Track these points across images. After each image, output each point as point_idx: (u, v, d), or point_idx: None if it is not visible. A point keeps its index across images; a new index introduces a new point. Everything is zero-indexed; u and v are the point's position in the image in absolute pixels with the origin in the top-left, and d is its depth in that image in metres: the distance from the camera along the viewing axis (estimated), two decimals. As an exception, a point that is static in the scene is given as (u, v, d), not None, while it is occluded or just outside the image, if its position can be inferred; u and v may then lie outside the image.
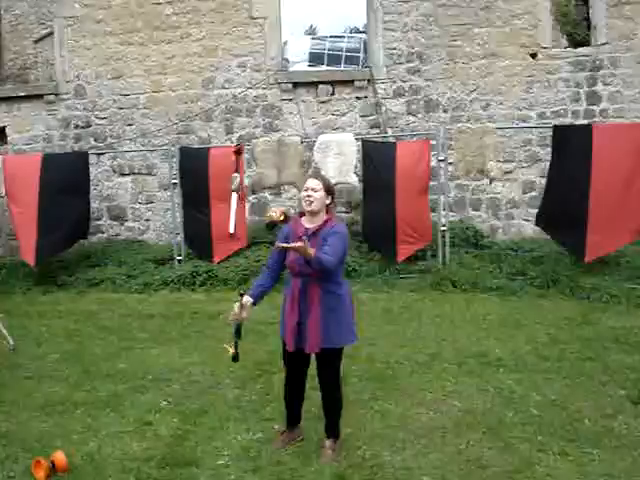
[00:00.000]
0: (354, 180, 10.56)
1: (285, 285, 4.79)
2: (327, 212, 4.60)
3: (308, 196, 4.49)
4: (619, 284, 9.04)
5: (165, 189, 12.40)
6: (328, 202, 4.58)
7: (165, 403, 5.81)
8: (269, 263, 4.76)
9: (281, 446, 4.85)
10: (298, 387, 4.89)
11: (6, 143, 13.02)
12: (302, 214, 4.67)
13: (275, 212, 4.47)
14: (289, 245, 4.21)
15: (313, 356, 4.68)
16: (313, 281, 4.48)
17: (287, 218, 4.59)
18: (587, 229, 8.91)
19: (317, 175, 4.72)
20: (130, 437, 5.14)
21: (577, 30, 12.13)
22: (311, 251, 4.15)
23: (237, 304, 4.54)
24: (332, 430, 4.78)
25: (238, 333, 4.68)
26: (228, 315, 4.60)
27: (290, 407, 4.97)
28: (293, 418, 4.99)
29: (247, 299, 4.57)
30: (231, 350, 4.67)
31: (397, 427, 5.13)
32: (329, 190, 4.57)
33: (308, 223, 4.58)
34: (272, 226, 4.71)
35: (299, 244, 4.12)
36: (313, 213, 4.54)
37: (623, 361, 6.45)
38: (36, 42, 14.22)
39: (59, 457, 4.57)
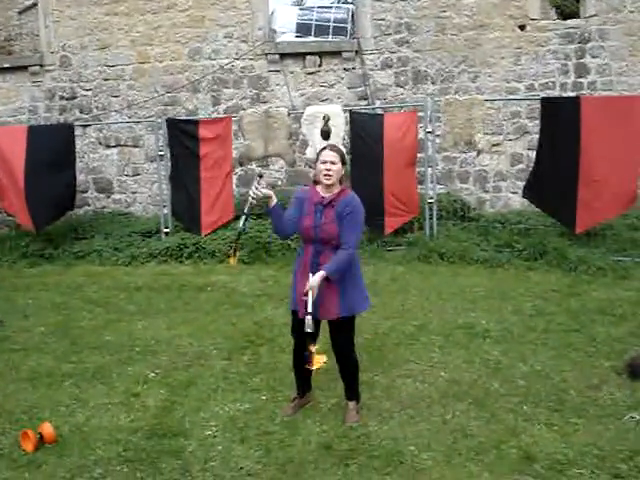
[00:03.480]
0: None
1: (297, 255, 4.83)
2: (340, 181, 4.64)
3: (327, 170, 4.52)
4: (605, 256, 9.08)
5: (151, 161, 12.33)
6: (342, 172, 4.63)
7: (153, 375, 5.82)
8: (286, 214, 4.67)
9: (291, 412, 4.94)
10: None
11: (-10, 115, 12.90)
12: (316, 182, 4.69)
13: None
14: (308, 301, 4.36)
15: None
16: (326, 248, 4.55)
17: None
18: (577, 200, 8.92)
19: (333, 147, 4.69)
20: (118, 408, 5.16)
21: (566, 2, 12.07)
22: (318, 278, 4.37)
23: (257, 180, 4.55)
24: (353, 393, 4.90)
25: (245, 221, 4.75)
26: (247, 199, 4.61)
27: (300, 376, 5.03)
28: (303, 386, 5.07)
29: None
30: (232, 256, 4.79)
31: (383, 397, 5.16)
32: (344, 161, 4.63)
33: (323, 192, 4.62)
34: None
35: (310, 291, 4.35)
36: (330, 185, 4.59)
37: (608, 332, 6.50)
38: (20, 13, 14.01)
39: (47, 429, 4.59)
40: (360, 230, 4.63)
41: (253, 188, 4.48)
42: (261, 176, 4.64)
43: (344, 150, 4.83)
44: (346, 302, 4.59)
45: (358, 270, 4.73)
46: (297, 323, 4.76)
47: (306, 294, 4.37)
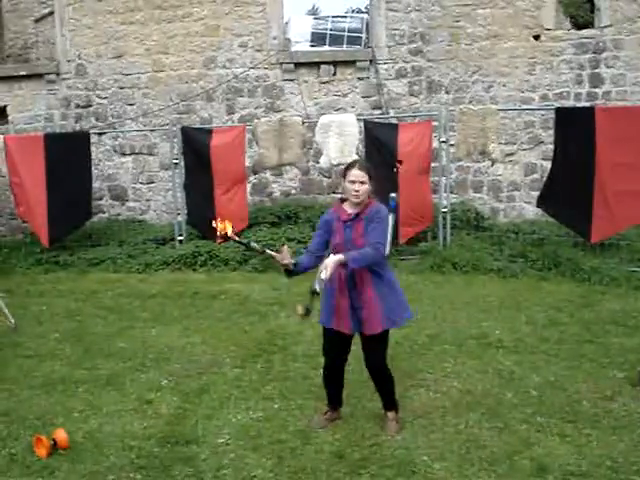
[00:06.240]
0: (355, 161, 10.54)
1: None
2: (368, 197, 4.60)
3: (357, 190, 4.47)
4: (619, 267, 9.05)
5: (166, 169, 12.38)
6: (370, 189, 4.58)
7: (166, 382, 5.83)
8: (310, 246, 4.72)
9: (323, 425, 4.89)
10: (339, 373, 4.89)
11: (7, 122, 12.99)
12: (343, 200, 4.66)
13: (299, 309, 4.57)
14: (324, 277, 4.25)
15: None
16: None
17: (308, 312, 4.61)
18: (593, 210, 8.88)
19: (361, 165, 4.60)
20: (131, 415, 5.17)
21: (580, 12, 12.07)
22: (336, 259, 4.29)
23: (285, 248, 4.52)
24: (391, 403, 4.88)
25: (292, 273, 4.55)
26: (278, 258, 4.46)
27: (331, 392, 4.99)
28: (335, 401, 5.02)
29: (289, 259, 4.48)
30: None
31: (397, 407, 5.15)
32: (371, 177, 4.55)
33: (351, 208, 4.58)
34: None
35: (329, 269, 4.24)
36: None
37: (622, 343, 6.46)
38: (37, 21, 14.13)
39: (60, 435, 4.60)
40: (388, 235, 4.62)
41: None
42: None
43: (370, 167, 4.72)
44: (389, 314, 4.57)
45: (392, 283, 4.68)
46: (329, 341, 4.73)
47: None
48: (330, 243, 4.61)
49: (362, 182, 4.47)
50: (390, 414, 4.84)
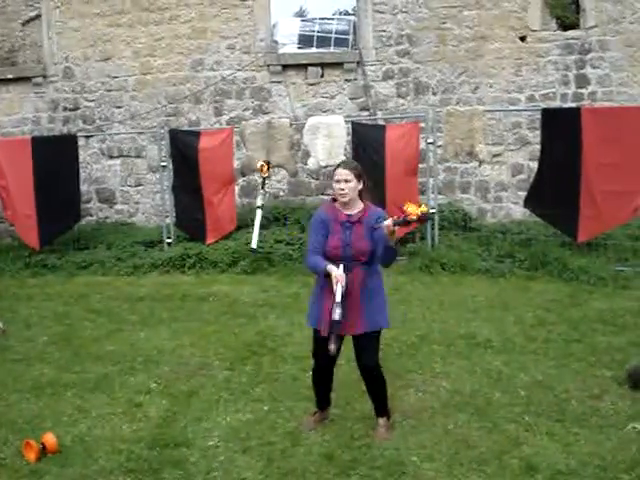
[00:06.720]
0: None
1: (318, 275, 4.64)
2: (360, 198, 4.57)
3: (342, 189, 4.45)
4: (606, 266, 9.10)
5: (154, 172, 12.36)
6: (360, 187, 4.54)
7: (155, 385, 5.83)
8: (316, 246, 4.55)
9: (312, 427, 4.88)
10: (328, 375, 4.87)
11: (-6, 125, 12.95)
12: (334, 200, 4.61)
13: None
14: (382, 225, 4.27)
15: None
16: (356, 265, 4.47)
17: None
18: (580, 210, 8.95)
19: (347, 164, 4.61)
20: (120, 419, 5.16)
21: (566, 13, 12.10)
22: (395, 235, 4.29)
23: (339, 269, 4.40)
24: (383, 410, 4.82)
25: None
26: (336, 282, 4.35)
27: (320, 393, 4.97)
28: (324, 402, 5.00)
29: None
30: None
31: (386, 408, 5.16)
32: (360, 176, 4.53)
33: (346, 210, 4.55)
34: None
35: (389, 223, 4.24)
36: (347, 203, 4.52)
37: (610, 342, 6.50)
38: (24, 24, 14.05)
39: (49, 439, 4.59)
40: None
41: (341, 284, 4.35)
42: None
43: (359, 165, 4.66)
44: (371, 316, 4.53)
45: (382, 289, 4.67)
46: (318, 343, 4.64)
47: (335, 283, 4.29)
48: (327, 243, 4.53)
49: (346, 180, 4.45)
50: (381, 420, 4.79)
